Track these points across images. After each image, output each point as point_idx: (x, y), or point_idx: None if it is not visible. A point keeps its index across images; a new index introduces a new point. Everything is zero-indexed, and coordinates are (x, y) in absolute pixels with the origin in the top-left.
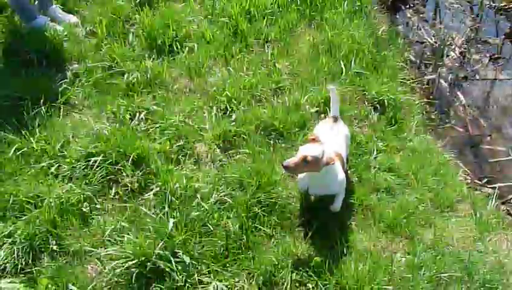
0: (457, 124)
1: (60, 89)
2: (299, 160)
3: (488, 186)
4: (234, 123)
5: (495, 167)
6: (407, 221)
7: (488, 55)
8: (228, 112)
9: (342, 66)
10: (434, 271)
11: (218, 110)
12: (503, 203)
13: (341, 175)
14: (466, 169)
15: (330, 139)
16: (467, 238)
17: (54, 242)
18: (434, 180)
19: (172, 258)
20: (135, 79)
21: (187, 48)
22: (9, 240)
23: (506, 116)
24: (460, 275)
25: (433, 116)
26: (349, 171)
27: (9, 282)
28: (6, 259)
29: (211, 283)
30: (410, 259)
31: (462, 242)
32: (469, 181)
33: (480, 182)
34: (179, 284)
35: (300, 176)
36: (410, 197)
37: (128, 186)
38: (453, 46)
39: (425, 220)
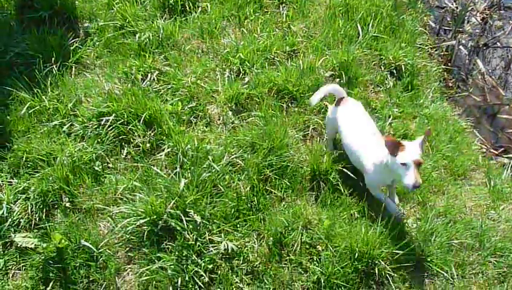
0: (475, 92)
1: (71, 48)
2: (417, 169)
3: (504, 156)
4: (247, 86)
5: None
6: (420, 187)
7: (511, 22)
8: (241, 75)
9: (359, 29)
10: (445, 238)
11: (231, 72)
12: None
13: None
14: (482, 138)
15: (365, 123)
16: (479, 207)
17: (67, 199)
18: (449, 148)
19: (183, 217)
20: (147, 39)
21: (200, 8)
22: (23, 196)
23: None
24: (472, 243)
25: (450, 84)
26: None
27: (24, 237)
28: (20, 214)
29: (221, 242)
30: (422, 225)
31: (474, 210)
32: (484, 150)
33: (495, 152)
34: (189, 242)
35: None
36: (424, 164)
37: (140, 146)
38: (475, 12)
39: (438, 187)
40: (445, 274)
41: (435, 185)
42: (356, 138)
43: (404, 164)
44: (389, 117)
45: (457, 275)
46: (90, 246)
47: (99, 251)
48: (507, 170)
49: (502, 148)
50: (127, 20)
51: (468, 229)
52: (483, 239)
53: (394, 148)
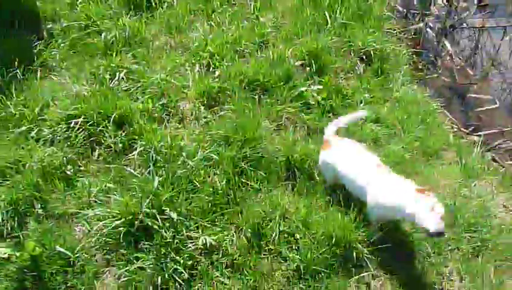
0: (445, 73)
1: (35, 51)
2: (443, 219)
3: (474, 134)
4: (218, 79)
5: (482, 115)
6: (394, 170)
7: (475, 3)
8: (211, 68)
9: (327, 17)
10: None
11: (201, 66)
12: (488, 150)
13: None
14: (452, 118)
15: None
16: (452, 185)
17: (39, 206)
18: (420, 130)
19: (159, 216)
20: (113, 38)
21: (166, 3)
22: None
23: (493, 64)
24: (446, 220)
25: (420, 66)
26: None
27: None
28: None
29: (199, 237)
30: None
31: (447, 188)
32: (455, 130)
33: (466, 131)
34: (167, 240)
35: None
36: (397, 147)
37: (111, 147)
38: None
39: (411, 168)
40: (422, 253)
41: (408, 166)
42: (360, 174)
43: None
44: (361, 103)
45: (433, 253)
46: (66, 251)
47: (76, 255)
48: (477, 148)
49: (473, 127)
50: (92, 20)
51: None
52: (457, 216)
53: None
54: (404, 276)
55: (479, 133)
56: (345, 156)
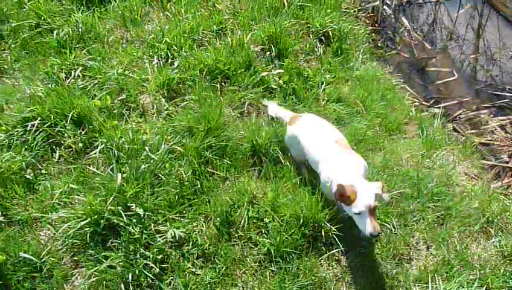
0: (403, 49)
1: None
2: (373, 215)
3: (435, 106)
4: (177, 70)
5: (441, 87)
6: (358, 147)
7: None
8: (170, 60)
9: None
10: (386, 191)
11: (159, 58)
12: (449, 121)
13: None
14: (413, 92)
15: (326, 131)
16: (415, 157)
17: (0, 213)
18: (382, 106)
19: (125, 213)
20: (66, 35)
21: None
22: None
23: (450, 37)
24: (410, 192)
25: (379, 44)
26: None
27: None
28: None
29: (168, 231)
30: None
31: (410, 161)
32: (417, 103)
33: (427, 103)
34: (135, 236)
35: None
36: (359, 124)
37: (72, 147)
38: None
39: (374, 144)
40: (388, 225)
41: (371, 143)
42: (317, 149)
43: (358, 213)
44: (322, 84)
45: (399, 225)
46: (31, 257)
47: (42, 260)
48: (438, 119)
49: (433, 100)
50: (42, 18)
51: (406, 180)
52: (421, 187)
53: (345, 199)
54: (373, 250)
55: (439, 105)
56: (309, 131)
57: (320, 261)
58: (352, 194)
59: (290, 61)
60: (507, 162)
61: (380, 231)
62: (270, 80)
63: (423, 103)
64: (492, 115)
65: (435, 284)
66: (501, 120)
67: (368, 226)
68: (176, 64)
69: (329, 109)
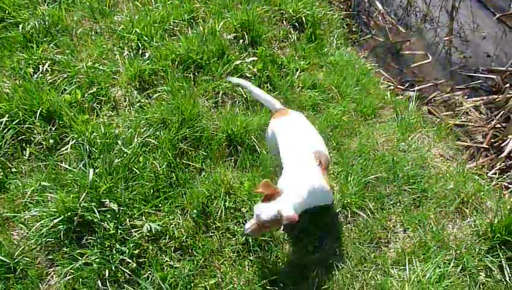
0: (378, 33)
1: None
2: (257, 225)
3: (410, 90)
4: (149, 61)
5: (416, 70)
6: (333, 133)
7: None
8: (140, 51)
9: None
10: (362, 176)
11: (130, 49)
12: (424, 103)
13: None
14: (388, 76)
15: (303, 137)
16: (390, 141)
17: None
18: (357, 91)
19: (99, 209)
20: (32, 29)
21: None
22: None
23: (424, 19)
24: (386, 176)
25: (354, 29)
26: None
27: None
28: None
29: (144, 225)
30: (340, 169)
31: (386, 145)
32: (392, 87)
33: (402, 87)
34: (111, 232)
35: None
36: (335, 110)
37: (42, 144)
38: None
39: (350, 130)
40: (365, 210)
41: (346, 128)
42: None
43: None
44: (297, 70)
45: (376, 209)
46: (4, 258)
47: (16, 261)
48: (413, 102)
49: (408, 83)
50: (6, 11)
51: (382, 164)
52: (397, 170)
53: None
54: (352, 233)
55: (414, 88)
56: (286, 131)
57: (297, 248)
58: (266, 193)
59: (264, 49)
60: (481, 143)
61: (248, 232)
62: (244, 68)
63: (398, 86)
64: (466, 97)
65: (413, 266)
66: (475, 101)
67: (247, 225)
68: (147, 55)
69: (305, 96)
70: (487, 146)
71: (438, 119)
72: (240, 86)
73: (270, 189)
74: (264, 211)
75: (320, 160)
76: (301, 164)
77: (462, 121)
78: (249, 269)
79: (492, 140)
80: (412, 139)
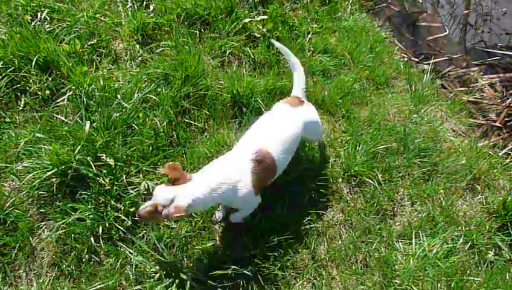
0: (394, 2)
1: None
2: (151, 208)
3: (424, 62)
4: (153, 14)
5: (431, 43)
6: (344, 101)
7: None
8: (145, 3)
9: None
10: (371, 146)
11: (134, 1)
12: (439, 77)
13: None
14: (402, 47)
15: (266, 134)
16: (402, 112)
17: None
18: (370, 58)
19: (95, 163)
20: None
21: None
22: None
23: None
24: (396, 147)
25: None
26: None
27: None
28: None
29: (141, 183)
30: (348, 138)
31: (397, 116)
32: (406, 59)
33: (416, 59)
34: (106, 188)
35: None
36: (346, 77)
37: (38, 94)
38: None
39: (361, 98)
40: (373, 181)
41: (358, 96)
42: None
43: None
44: (309, 33)
45: (384, 180)
46: None
47: (6, 212)
48: (427, 75)
49: (423, 55)
50: None
51: (392, 135)
52: (407, 142)
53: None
54: (358, 204)
55: (429, 61)
56: (264, 120)
57: (299, 215)
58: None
59: (275, 8)
60: (494, 121)
61: (140, 213)
62: (253, 28)
63: (412, 58)
64: (482, 73)
65: (419, 240)
66: (491, 78)
67: (141, 206)
68: (151, 7)
69: (315, 60)
70: (500, 125)
71: (452, 94)
72: (280, 52)
73: (175, 173)
74: (161, 193)
75: (258, 161)
76: (233, 158)
77: (476, 98)
78: (246, 237)
79: (506, 119)
80: (424, 111)
